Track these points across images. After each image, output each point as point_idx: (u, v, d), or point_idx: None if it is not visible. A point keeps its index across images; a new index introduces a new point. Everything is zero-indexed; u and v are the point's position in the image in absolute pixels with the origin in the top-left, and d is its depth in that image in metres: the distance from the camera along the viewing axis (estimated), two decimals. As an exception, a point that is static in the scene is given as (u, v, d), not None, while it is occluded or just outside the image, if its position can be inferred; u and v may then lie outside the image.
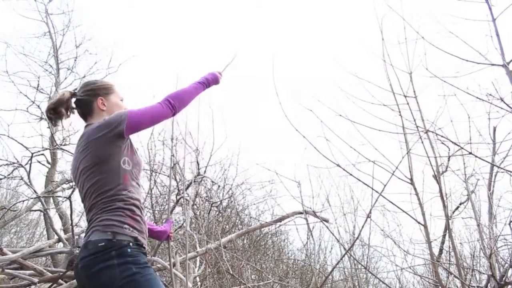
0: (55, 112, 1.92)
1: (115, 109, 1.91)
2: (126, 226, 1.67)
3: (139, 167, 1.86)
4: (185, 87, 1.98)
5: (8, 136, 5.06)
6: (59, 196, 6.36)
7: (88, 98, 1.91)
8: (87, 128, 1.83)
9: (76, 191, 4.97)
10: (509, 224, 3.33)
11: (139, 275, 1.58)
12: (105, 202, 1.69)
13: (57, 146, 5.86)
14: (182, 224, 5.59)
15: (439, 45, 3.31)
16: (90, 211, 1.73)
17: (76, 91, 1.96)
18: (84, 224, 6.50)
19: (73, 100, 1.95)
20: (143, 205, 1.82)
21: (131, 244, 1.65)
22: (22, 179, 5.18)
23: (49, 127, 6.46)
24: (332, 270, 4.88)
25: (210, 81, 2.09)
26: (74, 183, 5.15)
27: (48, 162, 6.87)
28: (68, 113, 1.95)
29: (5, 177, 5.41)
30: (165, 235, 2.24)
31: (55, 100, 1.92)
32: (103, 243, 1.61)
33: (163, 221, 5.91)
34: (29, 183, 4.90)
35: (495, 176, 3.94)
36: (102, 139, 1.72)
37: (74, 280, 4.16)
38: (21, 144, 5.02)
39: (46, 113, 1.96)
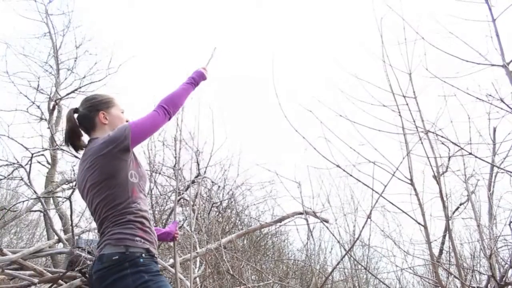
0: (74, 145, 2.00)
1: (117, 122, 1.94)
2: (137, 238, 1.72)
3: (145, 179, 1.91)
4: (175, 90, 2.03)
5: (8, 137, 5.07)
6: (59, 197, 6.36)
7: (90, 113, 1.95)
8: (91, 144, 1.87)
9: (76, 191, 4.98)
10: (509, 224, 3.33)
11: (152, 282, 1.64)
12: (116, 215, 1.74)
13: (57, 146, 5.86)
14: (182, 224, 5.59)
15: (439, 46, 3.31)
16: (102, 225, 1.78)
17: (78, 107, 2.00)
18: (84, 224, 6.51)
19: (76, 115, 1.99)
20: (150, 216, 1.87)
21: (143, 255, 1.71)
22: (22, 179, 5.18)
23: (49, 128, 6.47)
24: (332, 270, 4.89)
25: (197, 78, 2.14)
26: (74, 184, 5.15)
27: (48, 163, 6.87)
28: (81, 134, 2.01)
29: (5, 177, 5.41)
30: (170, 236, 2.28)
31: (70, 131, 1.98)
32: (116, 257, 1.66)
33: (163, 221, 5.92)
34: (29, 184, 4.90)
35: (495, 176, 3.94)
36: (109, 156, 1.76)
37: (74, 281, 4.16)
38: (21, 145, 5.02)
39: (66, 145, 2.04)
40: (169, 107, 1.91)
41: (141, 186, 1.85)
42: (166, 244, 5.43)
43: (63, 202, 6.28)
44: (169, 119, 1.93)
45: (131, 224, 1.73)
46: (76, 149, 2.02)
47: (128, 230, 1.72)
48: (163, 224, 5.88)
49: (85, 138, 2.02)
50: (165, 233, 2.24)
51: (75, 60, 7.80)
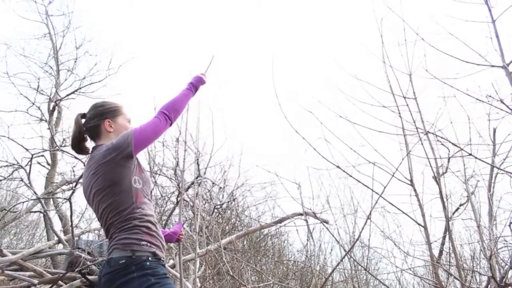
0: (79, 148, 2.02)
1: (122, 131, 1.96)
2: (144, 242, 1.76)
3: (149, 184, 1.94)
4: (175, 97, 2.07)
5: (8, 138, 5.07)
6: (59, 198, 6.36)
7: (96, 120, 1.98)
8: (96, 151, 1.90)
9: (76, 192, 4.98)
10: (509, 225, 3.33)
11: (158, 285, 1.67)
12: (122, 221, 1.77)
13: (57, 147, 5.86)
14: (182, 225, 5.58)
15: (439, 47, 3.32)
16: (108, 230, 1.81)
17: (86, 112, 2.03)
18: (83, 225, 6.50)
19: (83, 121, 2.02)
20: (156, 220, 1.89)
21: (150, 258, 1.74)
22: (22, 180, 5.19)
23: (49, 128, 6.46)
24: (332, 271, 4.89)
25: (196, 83, 2.19)
26: (74, 185, 5.16)
27: (48, 164, 6.86)
28: (87, 138, 2.03)
29: (5, 178, 5.41)
30: (175, 238, 2.30)
31: (76, 135, 1.99)
32: (123, 260, 1.70)
33: (163, 222, 5.91)
34: (29, 185, 4.91)
35: (495, 177, 3.94)
36: (112, 163, 1.79)
37: (74, 282, 4.16)
38: (21, 146, 5.02)
39: (72, 149, 2.06)
40: (170, 113, 1.95)
41: (145, 191, 1.88)
42: (166, 244, 5.42)
43: (63, 203, 6.27)
44: (171, 125, 1.96)
45: (136, 229, 1.77)
46: (81, 152, 2.05)
47: (134, 235, 1.75)
48: (162, 225, 5.88)
49: (90, 143, 2.03)
50: (169, 235, 2.28)
51: (75, 61, 7.77)
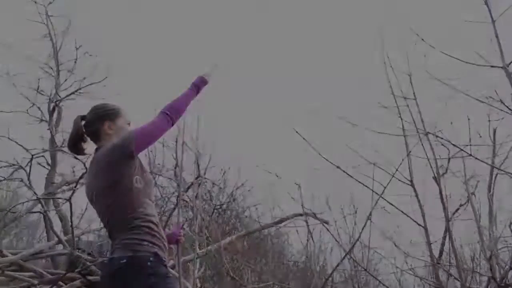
0: (76, 148, 2.02)
1: (121, 133, 1.96)
2: (145, 242, 1.74)
3: (151, 184, 1.93)
4: (177, 97, 2.04)
5: (8, 138, 5.07)
6: (59, 198, 6.35)
7: (96, 122, 1.98)
8: (97, 153, 1.91)
9: (76, 193, 4.98)
10: (509, 226, 3.33)
11: (159, 285, 1.67)
12: (123, 221, 1.77)
13: (57, 147, 5.86)
14: (182, 225, 5.58)
15: (439, 47, 3.32)
16: (111, 231, 1.82)
17: (86, 114, 2.03)
18: (84, 225, 6.49)
19: (83, 122, 2.02)
20: (158, 220, 1.88)
21: (151, 258, 1.72)
22: (22, 181, 5.18)
23: (49, 129, 6.46)
24: (332, 272, 4.89)
25: (199, 84, 2.15)
26: (74, 185, 5.16)
27: (48, 164, 6.85)
28: (85, 139, 2.02)
29: (5, 178, 5.41)
30: (173, 239, 2.28)
31: (73, 135, 1.99)
32: (125, 260, 1.69)
33: (163, 223, 5.91)
34: (29, 185, 4.90)
35: (495, 178, 3.94)
36: (113, 162, 1.79)
37: (74, 282, 4.16)
38: (22, 146, 5.02)
39: (69, 149, 2.06)
40: (171, 114, 1.92)
41: (147, 191, 1.87)
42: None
43: (63, 203, 6.26)
44: (172, 125, 1.94)
45: (138, 229, 1.76)
46: (77, 153, 2.04)
47: (136, 235, 1.74)
48: (163, 225, 5.87)
49: (89, 144, 2.03)
50: (167, 236, 2.25)
51: (75, 62, 7.76)
